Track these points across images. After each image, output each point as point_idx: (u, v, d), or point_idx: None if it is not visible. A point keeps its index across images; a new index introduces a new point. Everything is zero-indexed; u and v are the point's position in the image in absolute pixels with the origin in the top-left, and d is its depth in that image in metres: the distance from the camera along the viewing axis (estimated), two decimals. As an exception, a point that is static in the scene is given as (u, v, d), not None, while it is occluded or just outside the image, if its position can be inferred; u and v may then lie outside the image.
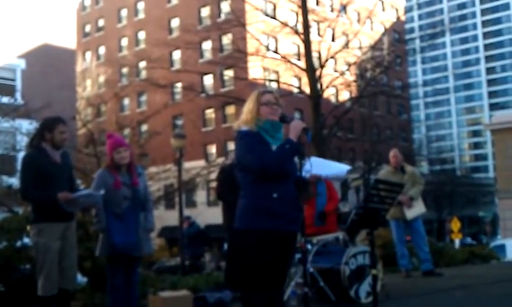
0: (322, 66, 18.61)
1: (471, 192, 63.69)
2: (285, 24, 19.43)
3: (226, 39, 36.62)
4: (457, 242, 30.74)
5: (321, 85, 18.83)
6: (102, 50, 52.32)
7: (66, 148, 5.28)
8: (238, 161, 3.81)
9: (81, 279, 7.11)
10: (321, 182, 6.42)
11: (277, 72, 31.51)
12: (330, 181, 7.00)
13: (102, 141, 19.17)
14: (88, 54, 50.72)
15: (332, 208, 6.71)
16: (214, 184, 8.41)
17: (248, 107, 3.85)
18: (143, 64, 46.08)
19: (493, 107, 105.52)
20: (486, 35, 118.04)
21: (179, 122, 44.26)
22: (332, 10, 30.15)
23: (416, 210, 8.25)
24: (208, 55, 39.86)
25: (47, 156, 5.02)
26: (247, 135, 3.75)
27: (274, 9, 34.30)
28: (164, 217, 32.92)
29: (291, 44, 30.72)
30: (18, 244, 6.81)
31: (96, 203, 5.06)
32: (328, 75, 20.78)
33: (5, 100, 17.60)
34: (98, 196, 4.97)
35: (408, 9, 77.45)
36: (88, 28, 54.15)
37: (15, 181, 10.65)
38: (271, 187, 3.67)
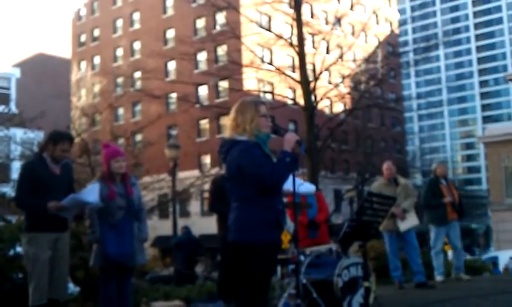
0: (316, 78, 18.67)
1: (464, 204, 63.59)
2: (279, 36, 19.50)
3: (221, 50, 36.73)
4: (450, 254, 30.74)
5: (315, 97, 18.88)
6: (97, 60, 52.32)
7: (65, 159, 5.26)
8: (241, 172, 3.68)
9: (73, 288, 7.09)
10: (311, 194, 6.53)
11: (271, 84, 31.57)
12: (320, 193, 7.11)
13: (97, 151, 19.14)
14: (83, 64, 50.68)
15: (323, 218, 6.77)
16: (207, 195, 8.42)
17: (247, 116, 3.76)
18: (138, 74, 46.16)
19: (486, 120, 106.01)
20: (479, 49, 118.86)
21: (173, 132, 44.23)
22: (327, 23, 30.25)
23: (410, 222, 8.30)
24: (203, 66, 39.91)
25: (46, 166, 4.99)
26: (253, 147, 3.70)
27: (269, 21, 34.46)
28: (158, 226, 32.89)
29: (286, 56, 30.81)
30: (11, 253, 6.78)
31: (87, 202, 4.98)
32: (322, 87, 20.83)
33: (-1, 108, 17.61)
34: (90, 198, 4.92)
35: (402, 23, 77.83)
36: (83, 38, 54.16)
37: (8, 190, 10.59)
38: (276, 200, 3.72)
